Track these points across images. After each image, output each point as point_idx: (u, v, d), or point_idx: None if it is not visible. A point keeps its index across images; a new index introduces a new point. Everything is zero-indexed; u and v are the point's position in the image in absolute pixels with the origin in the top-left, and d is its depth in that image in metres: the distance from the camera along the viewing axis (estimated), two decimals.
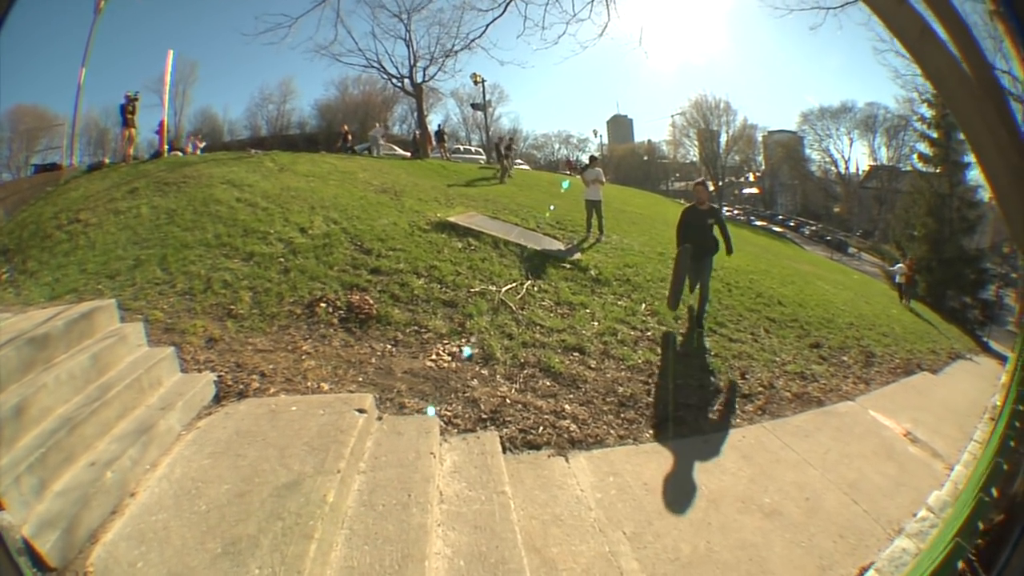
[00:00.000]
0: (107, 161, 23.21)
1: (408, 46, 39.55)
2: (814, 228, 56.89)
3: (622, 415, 7.02)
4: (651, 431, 6.81)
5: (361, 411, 5.75)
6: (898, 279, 29.24)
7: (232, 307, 8.54)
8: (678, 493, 5.72)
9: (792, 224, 57.99)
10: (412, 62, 39.36)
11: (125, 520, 4.35)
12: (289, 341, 7.85)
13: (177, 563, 3.86)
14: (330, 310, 8.67)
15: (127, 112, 22.45)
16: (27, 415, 4.69)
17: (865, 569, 4.86)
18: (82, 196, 15.13)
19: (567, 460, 6.12)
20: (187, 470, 4.92)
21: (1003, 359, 20.38)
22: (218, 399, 6.32)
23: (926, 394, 9.98)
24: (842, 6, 17.98)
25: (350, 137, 35.07)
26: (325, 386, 6.79)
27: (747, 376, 8.41)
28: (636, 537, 5.06)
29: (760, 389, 8.14)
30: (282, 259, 10.16)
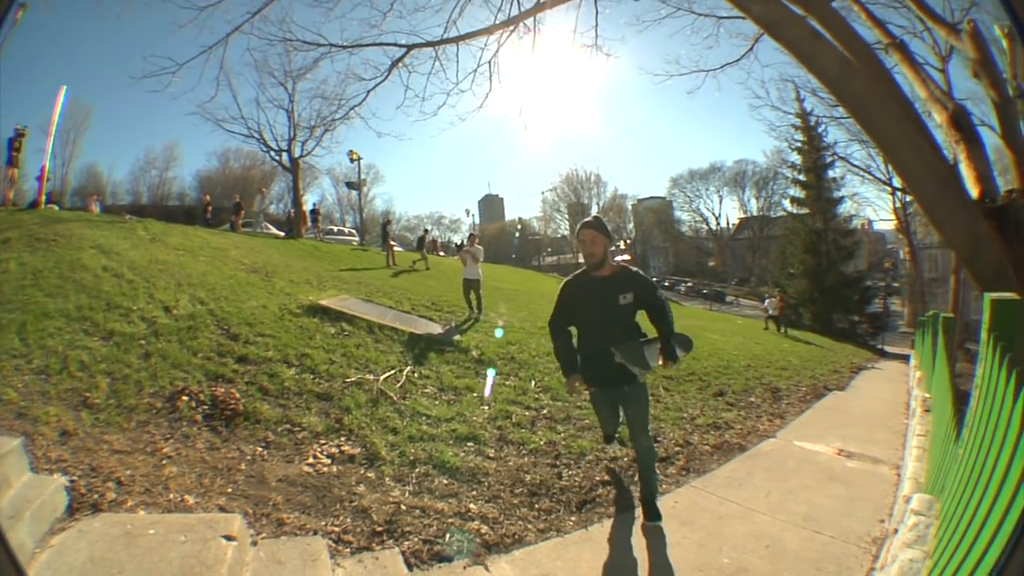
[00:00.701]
0: None
1: (289, 116, 39.56)
2: (689, 284, 59.40)
3: (536, 505, 6.61)
4: (573, 518, 6.40)
5: (229, 538, 5.02)
6: (771, 312, 31.02)
7: (88, 394, 7.81)
8: None
9: (667, 284, 60.24)
10: (292, 134, 39.40)
11: None
12: (148, 441, 7.17)
13: None
14: (193, 404, 8.03)
15: (13, 148, 21.60)
16: None
17: None
18: None
19: (487, 568, 5.48)
20: None
21: (905, 358, 21.71)
22: (71, 511, 5.61)
23: (843, 411, 10.48)
24: (722, 67, 19.00)
25: (209, 209, 35.03)
26: (189, 499, 6.12)
27: (659, 439, 8.29)
28: None
29: (677, 448, 8.10)
30: (143, 341, 9.56)
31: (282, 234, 34.41)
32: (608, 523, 6.29)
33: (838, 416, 10.10)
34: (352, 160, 44.14)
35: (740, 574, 5.17)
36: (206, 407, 8.02)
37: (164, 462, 6.79)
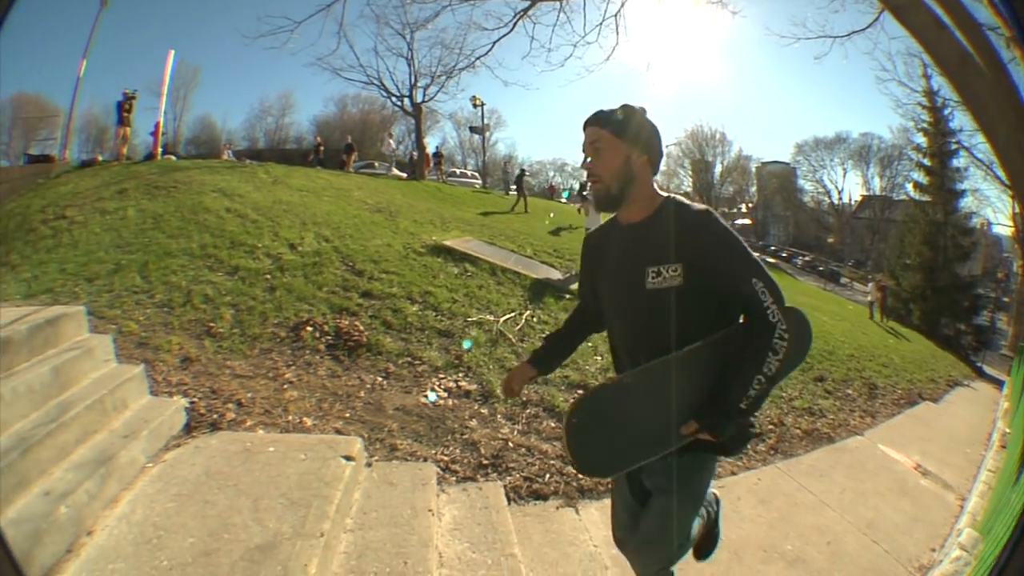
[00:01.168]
0: (100, 158, 22.85)
1: (410, 64, 39.64)
2: (806, 259, 57.17)
3: None
4: None
5: (348, 458, 5.12)
6: (870, 298, 29.61)
7: (211, 324, 7.99)
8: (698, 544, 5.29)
9: (784, 255, 58.30)
10: (413, 81, 39.38)
11: (81, 563, 3.81)
12: (271, 367, 7.29)
13: None
14: (317, 335, 8.12)
15: (123, 110, 22.26)
16: None
17: None
18: (71, 192, 14.67)
19: (577, 511, 5.56)
20: (149, 513, 4.35)
21: (999, 384, 20.53)
22: (188, 429, 5.74)
23: (930, 424, 10.07)
24: (848, 35, 17.90)
25: (321, 150, 34.82)
26: (308, 421, 6.24)
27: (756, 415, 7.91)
28: None
29: (771, 427, 7.84)
30: (269, 276, 9.66)
31: (404, 175, 34.43)
32: None
33: (924, 429, 9.76)
34: (475, 106, 43.85)
35: (798, 563, 5.19)
36: (329, 337, 8.13)
37: (285, 387, 6.89)
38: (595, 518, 5.46)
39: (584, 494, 5.81)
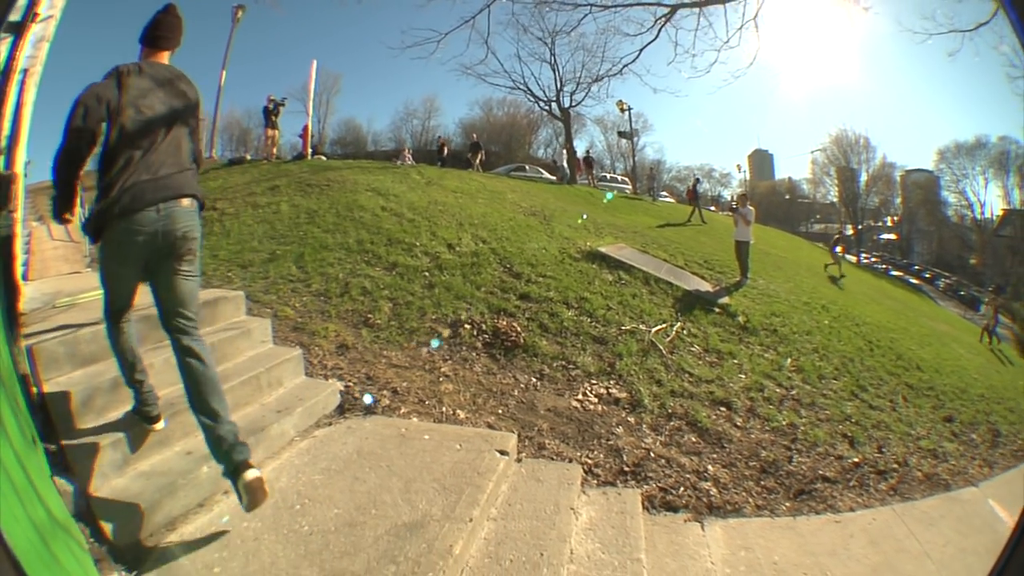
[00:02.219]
0: (248, 157, 24.04)
1: (554, 70, 40.23)
2: (948, 281, 54.27)
3: (762, 483, 6.55)
4: (788, 503, 6.34)
5: (503, 453, 5.29)
6: (987, 323, 27.71)
7: (369, 316, 8.31)
8: None
9: (928, 276, 55.65)
10: (559, 86, 39.78)
11: (211, 517, 4.05)
12: (427, 360, 7.53)
13: None
14: (475, 332, 8.31)
15: (270, 114, 23.36)
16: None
17: None
18: (221, 187, 15.48)
19: (703, 527, 5.64)
20: (294, 482, 4.55)
21: None
22: (342, 411, 6.00)
23: None
24: (975, 28, 17.13)
25: (446, 150, 34.99)
26: (461, 413, 6.42)
27: (883, 450, 7.83)
28: None
29: (895, 466, 7.56)
30: (427, 273, 9.91)
31: (553, 178, 34.63)
32: (813, 520, 6.23)
33: None
34: (622, 111, 44.05)
35: None
36: (487, 336, 8.37)
37: (441, 379, 7.10)
38: (718, 536, 5.57)
39: (712, 511, 5.91)
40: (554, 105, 41.68)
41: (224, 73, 25.87)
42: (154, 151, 3.80)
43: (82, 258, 9.19)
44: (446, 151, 33.65)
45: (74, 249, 9.10)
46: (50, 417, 3.95)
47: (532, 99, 42.79)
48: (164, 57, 4.15)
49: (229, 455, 3.67)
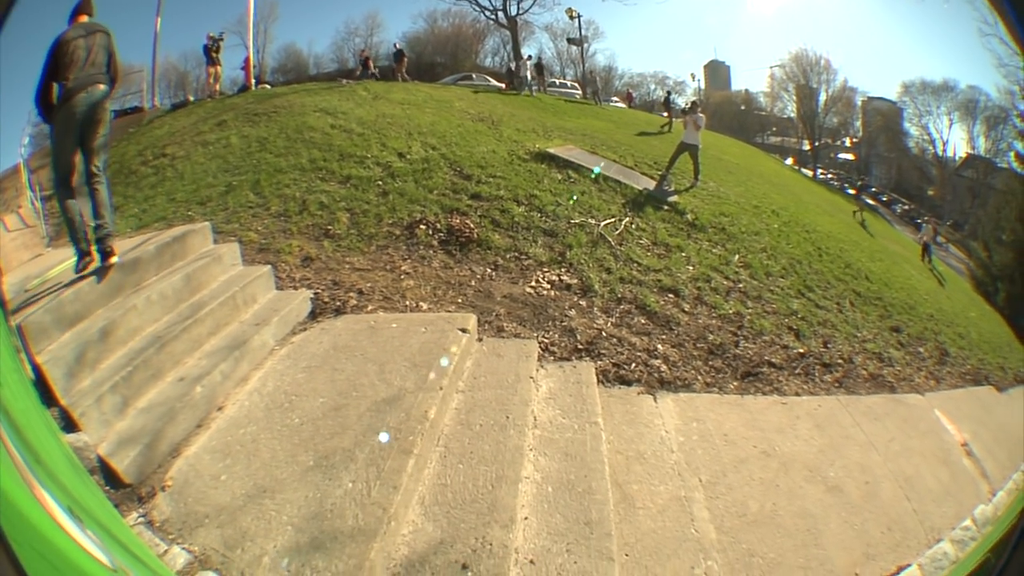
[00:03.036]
0: (191, 99, 23.66)
1: None
2: (906, 207, 53.70)
3: (710, 363, 7.03)
4: (735, 383, 6.82)
5: (464, 331, 5.76)
6: (924, 238, 28.01)
7: (329, 227, 8.61)
8: (754, 450, 5.78)
9: (885, 199, 54.69)
10: None
11: (211, 434, 4.44)
12: (388, 261, 7.91)
13: (265, 475, 3.92)
14: (430, 232, 8.63)
15: (210, 51, 23.00)
16: (113, 337, 4.84)
17: (903, 568, 4.90)
18: (167, 132, 15.31)
19: (655, 399, 6.17)
20: (280, 384, 4.98)
21: None
22: (314, 315, 6.43)
23: (988, 409, 9.81)
24: None
25: (371, 64, 34.12)
26: (424, 305, 6.85)
27: (828, 345, 8.25)
28: (710, 486, 5.16)
29: (840, 361, 8.00)
30: (380, 182, 10.14)
31: (502, 85, 34.18)
32: (760, 400, 6.68)
33: (981, 411, 9.26)
34: (571, 18, 43.07)
35: (836, 492, 5.48)
36: (442, 234, 8.72)
37: (402, 277, 7.53)
38: (670, 408, 6.06)
39: (663, 385, 6.40)
40: (500, 14, 40.93)
41: (159, 20, 25.24)
42: (85, 68, 5.77)
43: (40, 239, 9.38)
44: (371, 65, 32.70)
45: (31, 233, 9.28)
46: (48, 384, 4.24)
47: (478, 8, 41.81)
48: (83, 19, 6.03)
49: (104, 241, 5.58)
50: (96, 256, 5.54)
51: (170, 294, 5.61)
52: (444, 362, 5.07)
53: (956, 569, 4.44)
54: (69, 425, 4.07)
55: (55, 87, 5.67)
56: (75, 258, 5.52)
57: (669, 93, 31.11)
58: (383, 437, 4.11)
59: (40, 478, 2.23)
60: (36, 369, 4.31)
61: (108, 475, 3.94)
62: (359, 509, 3.59)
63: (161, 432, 4.22)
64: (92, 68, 5.87)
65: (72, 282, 5.24)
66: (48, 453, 2.75)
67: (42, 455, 2.50)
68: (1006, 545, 2.44)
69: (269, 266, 6.90)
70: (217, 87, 22.75)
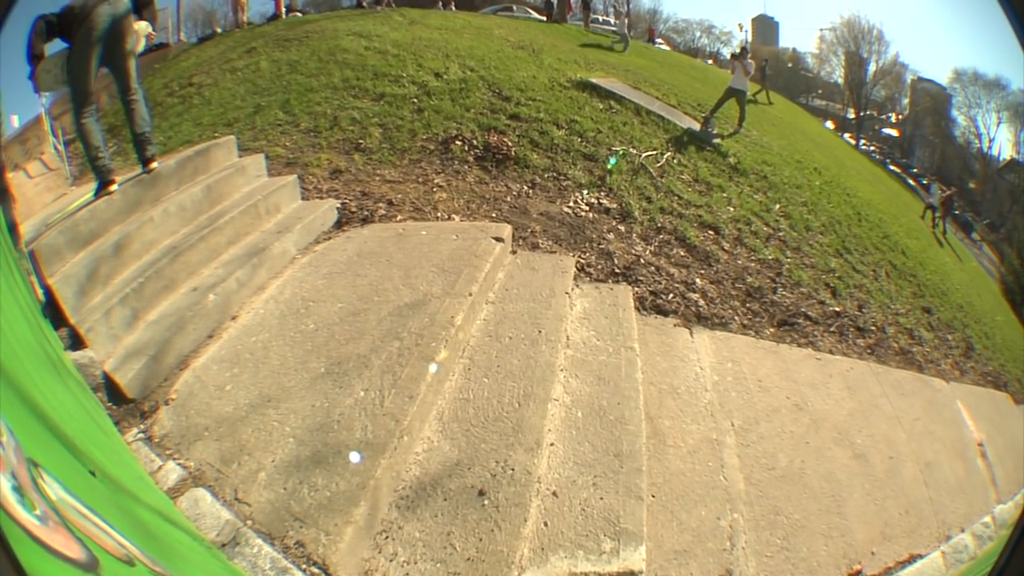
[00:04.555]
0: (218, 31, 23.49)
1: None
2: (945, 193, 52.70)
3: (748, 305, 6.84)
4: (772, 329, 6.64)
5: (499, 239, 5.46)
6: (933, 201, 26.96)
7: (360, 141, 8.31)
8: (787, 401, 5.66)
9: (925, 182, 53.79)
10: None
11: (221, 343, 4.19)
12: (420, 174, 7.63)
13: (271, 383, 3.68)
14: (465, 148, 8.32)
15: None
16: (128, 251, 4.59)
17: (918, 556, 4.81)
18: (194, 63, 15.04)
19: (691, 334, 5.96)
20: (298, 291, 4.71)
21: None
22: (340, 225, 6.15)
23: (1005, 417, 9.48)
24: None
25: None
26: (456, 218, 6.57)
27: (863, 310, 8.06)
28: (742, 432, 5.01)
29: (873, 328, 7.80)
30: (415, 100, 9.83)
31: (543, 18, 33.85)
32: (796, 351, 6.54)
33: (999, 417, 9.06)
34: None
35: (861, 460, 5.36)
36: (478, 151, 8.33)
37: (435, 190, 7.22)
38: (706, 344, 5.82)
39: (700, 320, 6.18)
40: None
41: None
42: None
43: (64, 180, 9.21)
44: None
45: (54, 176, 9.12)
46: (58, 304, 4.00)
47: None
48: None
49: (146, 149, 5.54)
50: (116, 176, 5.26)
51: (189, 206, 5.33)
52: (475, 270, 4.76)
53: (974, 566, 4.44)
54: (76, 343, 3.83)
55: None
56: (95, 183, 5.22)
57: (766, 61, 30.28)
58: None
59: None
60: (47, 291, 4.07)
61: (112, 391, 3.71)
62: (369, 420, 3.31)
63: (169, 343, 3.96)
64: None
65: (88, 203, 4.95)
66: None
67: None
68: (1007, 545, 2.37)
69: (295, 176, 6.61)
70: (244, 17, 22.52)
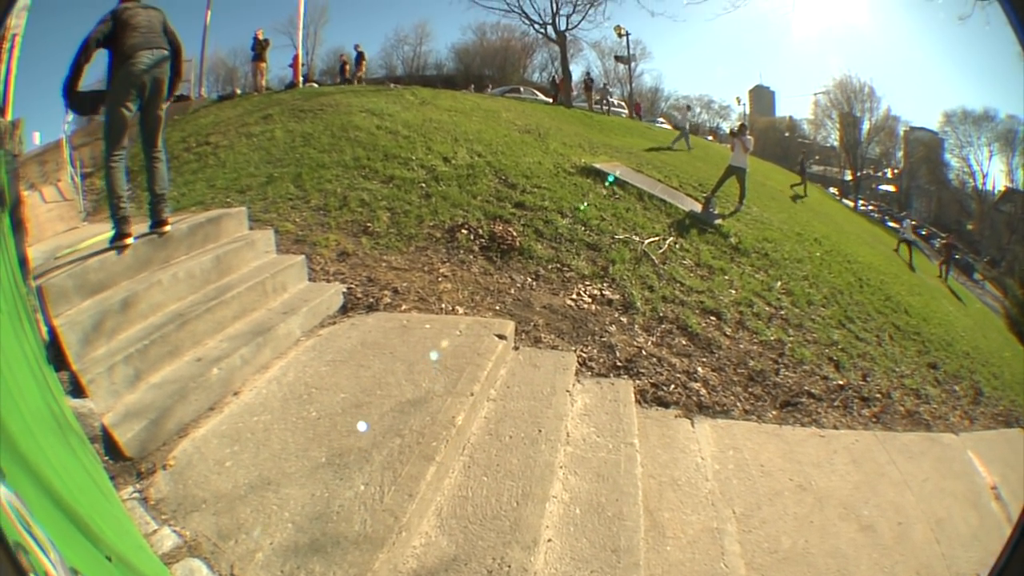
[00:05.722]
0: (238, 91, 24.00)
1: None
2: (944, 241, 53.35)
3: (750, 389, 6.86)
4: (774, 411, 6.66)
5: (501, 337, 5.55)
6: (906, 235, 26.72)
7: (368, 225, 8.51)
8: (789, 483, 5.62)
9: (924, 233, 54.53)
10: (555, 9, 39.47)
11: (222, 418, 4.27)
12: (426, 262, 7.79)
13: (272, 467, 3.72)
14: (471, 237, 8.51)
15: (258, 47, 23.35)
16: (135, 309, 4.73)
17: None
18: (212, 122, 15.47)
19: (693, 424, 6.00)
20: (301, 375, 4.79)
21: None
22: (345, 310, 6.28)
23: (1018, 453, 9.48)
24: None
25: (348, 69, 33.16)
26: (460, 310, 6.68)
27: (868, 379, 8.08)
28: (744, 519, 4.97)
29: (879, 396, 7.83)
30: (423, 184, 10.06)
31: (550, 100, 34.35)
32: (799, 431, 6.53)
33: (1012, 454, 9.08)
34: (619, 36, 43.61)
35: (868, 531, 5.32)
36: (483, 240, 8.60)
37: (440, 280, 7.37)
38: (707, 433, 5.86)
39: (702, 409, 6.22)
40: (550, 28, 41.47)
41: (209, 13, 25.80)
42: (144, 33, 5.67)
43: (77, 213, 9.31)
44: (348, 70, 31.41)
45: (68, 207, 9.22)
46: (61, 347, 4.12)
47: (527, 23, 42.49)
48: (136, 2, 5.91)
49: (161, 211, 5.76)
50: (133, 230, 5.47)
51: (198, 274, 5.49)
52: (478, 368, 4.84)
53: None
54: (77, 390, 3.94)
55: (85, 70, 5.51)
56: (111, 231, 5.40)
57: (805, 156, 30.77)
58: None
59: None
60: (52, 331, 4.20)
61: (109, 446, 3.78)
62: (368, 514, 3.35)
63: (170, 409, 4.06)
64: (152, 34, 5.78)
65: (100, 252, 5.11)
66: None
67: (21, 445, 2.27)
68: (1007, 545, 2.43)
69: (303, 256, 6.74)
70: (263, 82, 23.04)
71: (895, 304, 11.62)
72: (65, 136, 11.46)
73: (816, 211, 23.14)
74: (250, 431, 4.04)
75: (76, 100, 5.54)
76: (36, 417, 2.73)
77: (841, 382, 7.55)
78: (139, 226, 5.65)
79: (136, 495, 3.58)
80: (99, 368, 4.04)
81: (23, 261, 4.35)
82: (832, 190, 27.66)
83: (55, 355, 4.06)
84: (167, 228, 5.68)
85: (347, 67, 27.44)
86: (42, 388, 3.25)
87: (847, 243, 16.65)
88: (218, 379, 4.44)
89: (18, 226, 4.53)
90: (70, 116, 8.06)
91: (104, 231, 5.56)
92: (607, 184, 11.80)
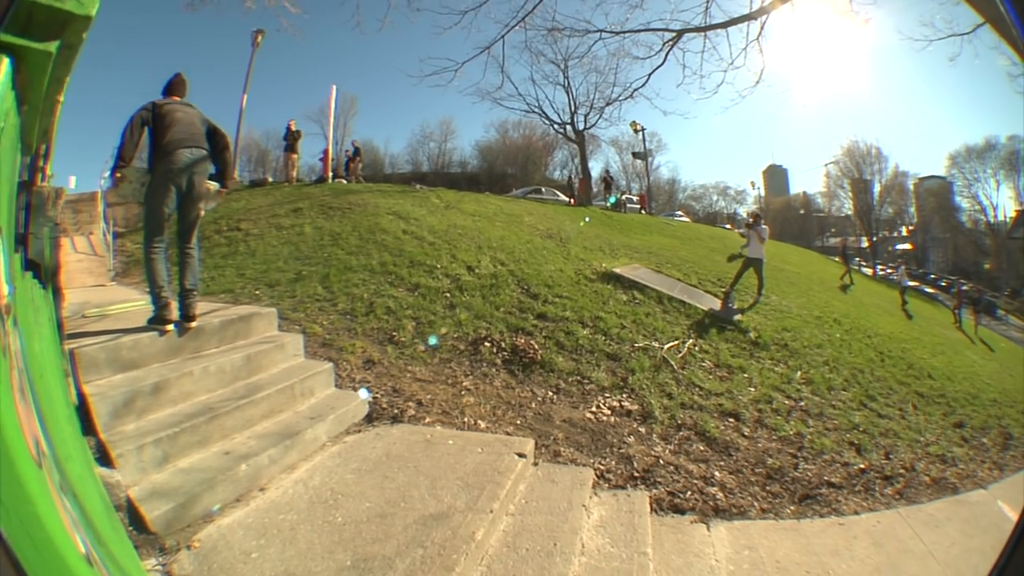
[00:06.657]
0: (269, 179, 24.73)
1: (567, 92, 40.82)
2: (965, 288, 53.34)
3: (767, 488, 6.87)
4: (792, 507, 6.64)
5: (521, 455, 5.73)
6: (906, 283, 26.88)
7: (394, 333, 8.75)
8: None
9: (943, 284, 54.74)
10: (573, 108, 40.36)
11: (248, 511, 4.45)
12: (450, 375, 7.98)
13: (299, 565, 3.84)
14: (494, 350, 8.73)
15: (291, 138, 24.03)
16: (165, 395, 5.04)
17: None
18: (244, 208, 16.02)
19: (708, 528, 5.97)
20: (327, 480, 4.98)
21: None
22: (370, 419, 6.49)
23: None
24: (973, 29, 17.12)
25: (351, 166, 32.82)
26: (482, 424, 6.85)
27: (891, 456, 8.11)
28: None
29: (902, 471, 7.84)
30: (448, 294, 10.34)
31: (569, 200, 34.81)
32: (817, 523, 6.48)
33: None
34: (635, 131, 44.73)
35: None
36: (506, 353, 8.83)
37: (463, 393, 7.54)
38: (723, 536, 5.88)
39: (718, 513, 6.26)
40: (569, 127, 42.42)
41: (245, 97, 26.65)
42: (185, 130, 6.15)
43: (106, 272, 9.61)
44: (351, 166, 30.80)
45: (98, 263, 9.53)
46: (90, 413, 4.42)
47: (547, 122, 43.61)
48: (175, 99, 6.44)
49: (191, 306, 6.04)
50: (175, 315, 5.90)
51: (228, 370, 5.77)
52: (497, 486, 5.03)
53: None
54: (104, 458, 4.20)
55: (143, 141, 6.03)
56: (151, 311, 5.84)
57: (846, 240, 31.17)
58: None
59: (58, 485, 2.18)
60: (80, 396, 4.52)
61: (134, 517, 3.98)
62: None
63: (198, 496, 4.27)
64: (192, 131, 6.22)
65: (137, 329, 5.53)
66: (74, 471, 2.73)
67: (66, 467, 2.46)
68: (1007, 545, 2.42)
69: (331, 364, 6.99)
70: (294, 173, 23.69)
71: (917, 371, 11.76)
72: (101, 191, 11.88)
73: (834, 288, 23.85)
74: (276, 527, 4.21)
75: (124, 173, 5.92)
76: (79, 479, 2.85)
77: (862, 466, 7.60)
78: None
79: (159, 567, 3.75)
80: (129, 445, 4.31)
81: (59, 325, 4.68)
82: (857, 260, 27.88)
83: (84, 420, 4.32)
84: (193, 325, 5.97)
85: (351, 163, 28.11)
86: (83, 450, 3.50)
87: (867, 317, 17.03)
88: (246, 474, 4.67)
89: (56, 292, 4.84)
90: (107, 172, 8.43)
91: (131, 297, 5.93)
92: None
